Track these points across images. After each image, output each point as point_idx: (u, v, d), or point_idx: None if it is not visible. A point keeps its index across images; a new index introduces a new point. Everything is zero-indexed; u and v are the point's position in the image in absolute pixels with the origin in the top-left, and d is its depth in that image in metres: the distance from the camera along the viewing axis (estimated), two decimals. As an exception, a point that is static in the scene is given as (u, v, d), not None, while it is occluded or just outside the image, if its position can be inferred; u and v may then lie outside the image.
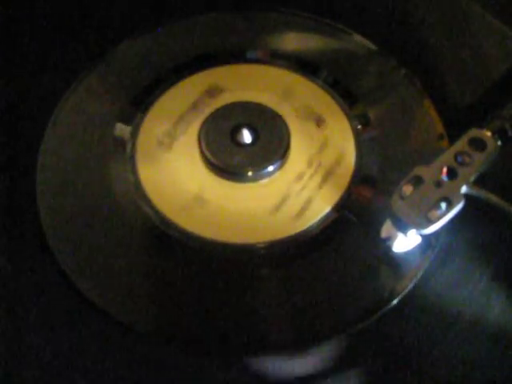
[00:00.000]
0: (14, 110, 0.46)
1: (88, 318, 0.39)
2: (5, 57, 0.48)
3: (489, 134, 0.40)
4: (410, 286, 0.40)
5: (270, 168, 0.43)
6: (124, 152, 0.44)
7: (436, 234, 0.39)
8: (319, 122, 0.45)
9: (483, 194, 0.39)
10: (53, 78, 0.47)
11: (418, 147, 0.45)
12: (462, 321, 0.39)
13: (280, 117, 0.44)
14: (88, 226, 0.42)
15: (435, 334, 0.39)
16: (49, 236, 0.42)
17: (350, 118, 0.46)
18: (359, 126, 0.45)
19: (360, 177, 0.43)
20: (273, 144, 0.43)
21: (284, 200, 0.42)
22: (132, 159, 0.44)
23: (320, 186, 0.43)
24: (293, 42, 0.49)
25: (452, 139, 0.42)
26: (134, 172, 0.43)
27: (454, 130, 0.43)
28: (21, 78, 0.47)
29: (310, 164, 0.44)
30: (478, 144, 0.40)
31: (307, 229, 0.42)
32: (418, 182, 0.39)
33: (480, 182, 0.39)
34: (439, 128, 0.45)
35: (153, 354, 0.39)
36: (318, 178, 0.43)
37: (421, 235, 0.39)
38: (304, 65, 0.47)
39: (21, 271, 0.41)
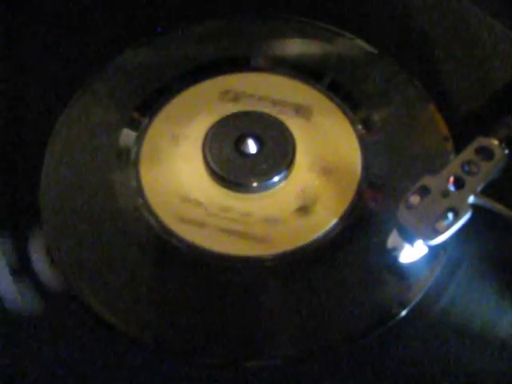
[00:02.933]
0: (19, 117, 0.46)
1: (89, 328, 0.40)
2: (9, 64, 0.48)
3: (496, 142, 0.40)
4: (418, 297, 0.40)
5: (276, 178, 0.42)
6: (128, 160, 0.44)
7: (443, 244, 0.38)
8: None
9: (491, 203, 0.39)
10: (58, 85, 0.47)
11: (424, 150, 0.45)
12: (471, 332, 0.39)
13: (284, 125, 0.44)
14: (89, 233, 0.42)
15: (443, 346, 0.39)
16: (50, 242, 0.42)
17: (354, 123, 0.45)
18: (364, 131, 0.45)
19: (366, 185, 0.43)
20: (278, 154, 0.43)
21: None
22: (135, 167, 0.44)
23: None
24: (294, 48, 0.48)
25: (457, 142, 0.42)
26: (138, 180, 0.43)
27: (458, 133, 0.43)
28: (26, 85, 0.47)
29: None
30: (486, 153, 0.40)
31: (313, 240, 0.41)
32: (424, 191, 0.39)
33: (487, 191, 0.39)
34: (444, 130, 0.45)
35: (155, 365, 0.39)
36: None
37: (428, 246, 0.39)
38: (306, 71, 0.47)
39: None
